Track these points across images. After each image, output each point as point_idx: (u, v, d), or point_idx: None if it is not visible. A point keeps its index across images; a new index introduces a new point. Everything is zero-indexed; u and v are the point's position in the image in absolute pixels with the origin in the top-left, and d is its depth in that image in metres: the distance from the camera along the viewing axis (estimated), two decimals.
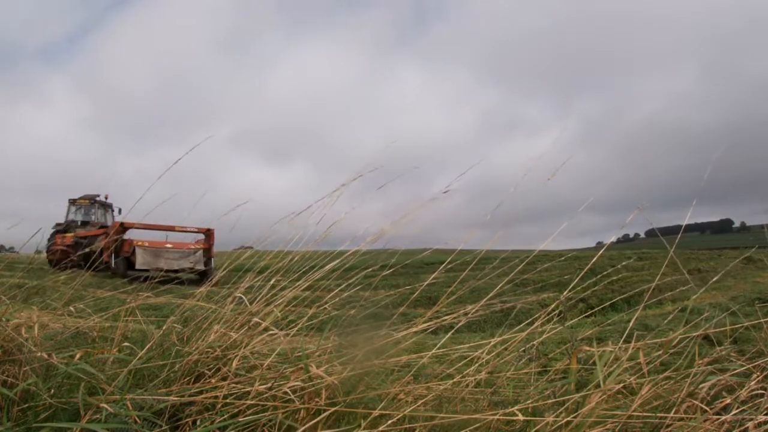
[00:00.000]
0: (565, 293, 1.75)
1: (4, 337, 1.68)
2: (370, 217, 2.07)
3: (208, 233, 15.50)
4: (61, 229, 18.81)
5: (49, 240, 18.05)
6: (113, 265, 14.99)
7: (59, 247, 17.01)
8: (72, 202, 19.87)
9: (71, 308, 2.21)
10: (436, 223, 2.05)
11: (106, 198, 20.12)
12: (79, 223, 19.47)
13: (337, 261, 1.99)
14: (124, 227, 15.65)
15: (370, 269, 2.06)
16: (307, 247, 2.09)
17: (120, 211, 19.47)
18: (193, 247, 16.23)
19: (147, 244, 15.81)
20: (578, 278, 1.82)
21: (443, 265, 1.88)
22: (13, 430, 1.34)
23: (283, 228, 2.17)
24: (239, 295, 1.92)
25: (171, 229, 14.82)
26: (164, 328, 1.84)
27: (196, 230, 14.16)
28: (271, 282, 1.92)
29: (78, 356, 1.66)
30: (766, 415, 1.22)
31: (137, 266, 15.22)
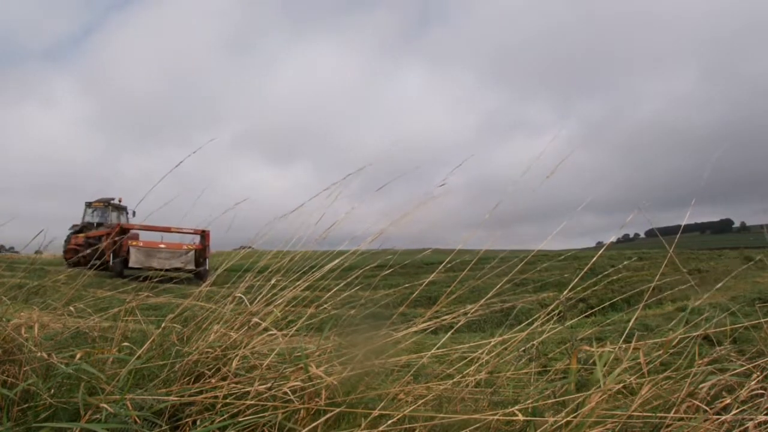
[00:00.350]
0: (564, 293, 1.75)
1: (4, 337, 1.68)
2: (370, 217, 2.07)
3: (204, 234, 15.79)
4: (77, 230, 19.84)
5: (66, 240, 19.55)
6: (111, 264, 15.46)
7: (72, 246, 18.43)
8: (88, 204, 20.79)
9: (71, 308, 2.20)
10: (436, 223, 2.05)
11: (120, 201, 20.90)
12: (95, 225, 20.35)
13: (337, 261, 1.99)
14: (123, 229, 16.62)
15: (370, 269, 2.06)
16: (307, 246, 2.09)
17: (134, 213, 20.28)
18: (185, 247, 16.62)
19: (141, 244, 16.20)
20: (578, 278, 1.82)
21: (442, 265, 1.87)
22: (14, 430, 1.33)
23: (281, 227, 2.18)
24: (239, 295, 1.92)
25: (167, 230, 15.14)
26: (163, 326, 1.84)
27: (192, 231, 14.43)
28: (272, 282, 1.92)
29: (78, 356, 1.66)
30: (766, 414, 1.22)
31: (130, 264, 15.71)
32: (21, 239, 2.25)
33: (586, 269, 1.93)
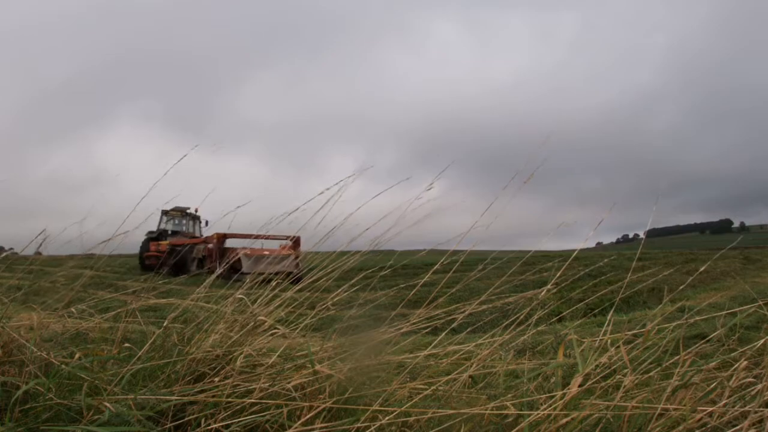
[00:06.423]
0: (545, 289, 1.75)
1: (4, 338, 1.69)
2: (369, 219, 2.09)
3: (296, 240, 15.91)
4: (154, 237, 20.81)
5: (142, 246, 20.74)
6: (218, 269, 16.03)
7: (153, 252, 19.76)
8: (164, 213, 21.48)
9: (72, 309, 2.21)
10: (435, 224, 2.07)
11: (195, 211, 21.74)
12: (169, 233, 21.54)
13: (336, 262, 2.01)
14: (225, 237, 16.93)
15: (369, 270, 2.08)
16: (307, 248, 2.12)
17: (207, 222, 21.48)
18: (285, 253, 16.76)
19: (249, 252, 16.65)
20: (577, 278, 1.82)
21: (437, 265, 1.89)
22: (15, 430, 1.34)
23: (282, 228, 2.21)
24: (240, 296, 1.93)
25: (265, 237, 15.32)
26: (165, 324, 1.85)
27: (285, 238, 14.61)
28: (273, 283, 1.94)
29: (76, 357, 1.67)
30: (760, 406, 1.22)
31: (243, 270, 16.00)
32: (19, 240, 2.26)
33: (586, 270, 1.94)
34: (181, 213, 22.11)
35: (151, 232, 20.93)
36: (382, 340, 1.71)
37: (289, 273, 2.30)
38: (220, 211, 2.37)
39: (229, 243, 17.12)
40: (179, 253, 17.33)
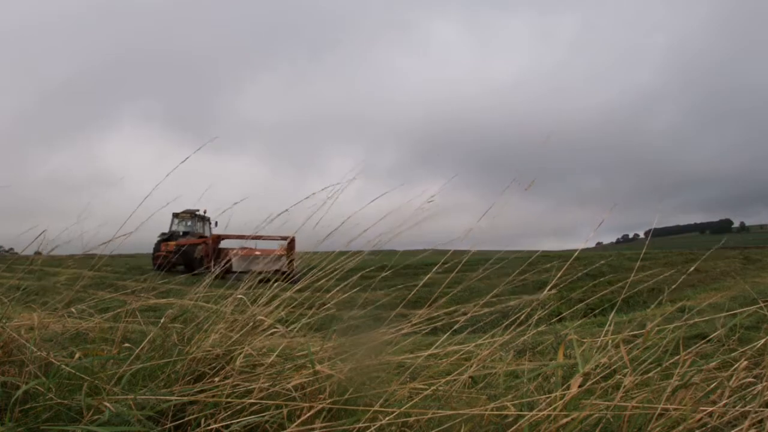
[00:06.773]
0: (546, 290, 1.74)
1: (4, 338, 1.69)
2: (368, 219, 2.09)
3: (290, 240, 16.78)
4: (165, 238, 21.99)
5: (154, 247, 22.11)
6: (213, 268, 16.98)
7: (162, 253, 20.76)
8: (175, 215, 22.83)
9: (72, 309, 2.21)
10: (435, 224, 2.07)
11: (204, 212, 22.65)
12: (181, 234, 22.87)
13: (336, 263, 2.01)
14: (220, 238, 18.19)
15: (369, 270, 2.07)
16: (307, 248, 2.12)
17: (216, 223, 22.54)
18: (278, 253, 17.59)
19: (241, 252, 17.42)
20: (577, 279, 1.82)
21: (437, 266, 1.89)
22: (15, 430, 1.34)
23: (281, 228, 2.22)
24: (240, 296, 1.93)
25: (259, 237, 15.99)
26: (162, 322, 1.85)
27: (280, 238, 15.16)
28: (273, 283, 1.94)
29: (77, 357, 1.67)
30: (760, 406, 1.22)
31: (234, 269, 16.77)
32: (19, 240, 2.25)
33: (586, 271, 1.93)
34: (190, 215, 22.84)
35: (163, 234, 21.93)
36: (382, 341, 1.71)
37: (283, 272, 2.32)
38: (224, 212, 2.40)
39: (230, 243, 17.57)
40: (180, 252, 18.30)
